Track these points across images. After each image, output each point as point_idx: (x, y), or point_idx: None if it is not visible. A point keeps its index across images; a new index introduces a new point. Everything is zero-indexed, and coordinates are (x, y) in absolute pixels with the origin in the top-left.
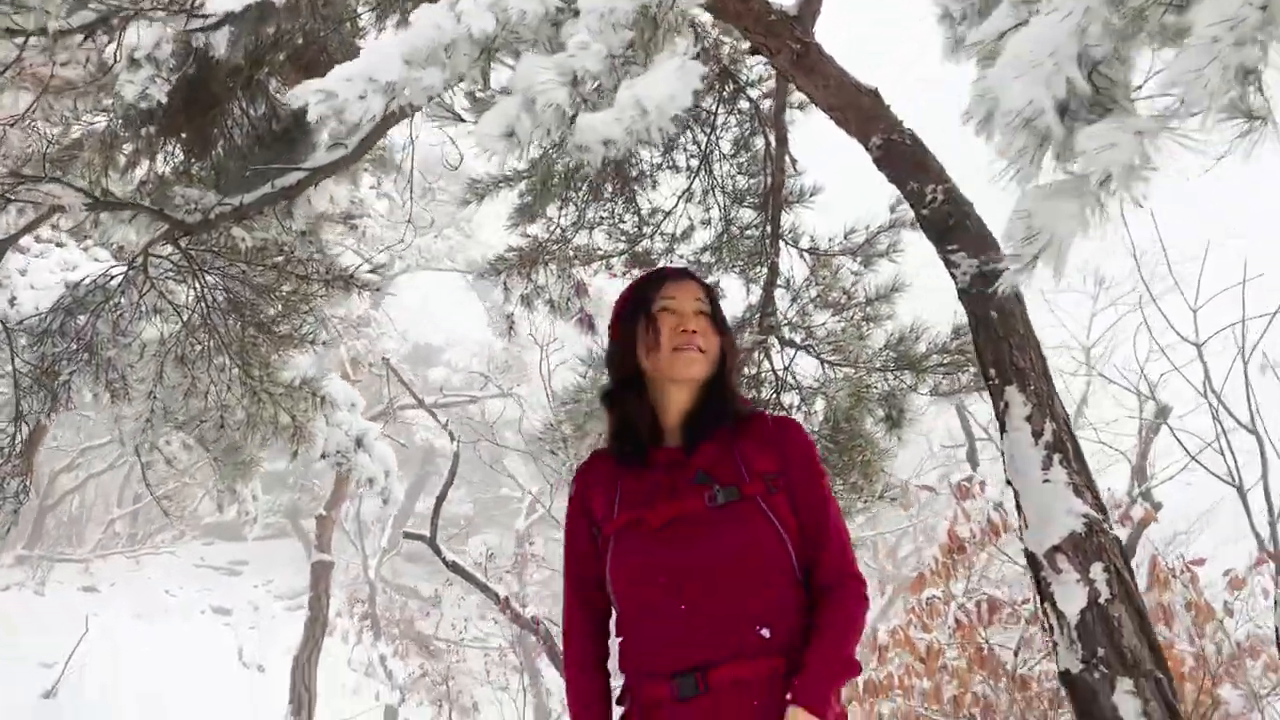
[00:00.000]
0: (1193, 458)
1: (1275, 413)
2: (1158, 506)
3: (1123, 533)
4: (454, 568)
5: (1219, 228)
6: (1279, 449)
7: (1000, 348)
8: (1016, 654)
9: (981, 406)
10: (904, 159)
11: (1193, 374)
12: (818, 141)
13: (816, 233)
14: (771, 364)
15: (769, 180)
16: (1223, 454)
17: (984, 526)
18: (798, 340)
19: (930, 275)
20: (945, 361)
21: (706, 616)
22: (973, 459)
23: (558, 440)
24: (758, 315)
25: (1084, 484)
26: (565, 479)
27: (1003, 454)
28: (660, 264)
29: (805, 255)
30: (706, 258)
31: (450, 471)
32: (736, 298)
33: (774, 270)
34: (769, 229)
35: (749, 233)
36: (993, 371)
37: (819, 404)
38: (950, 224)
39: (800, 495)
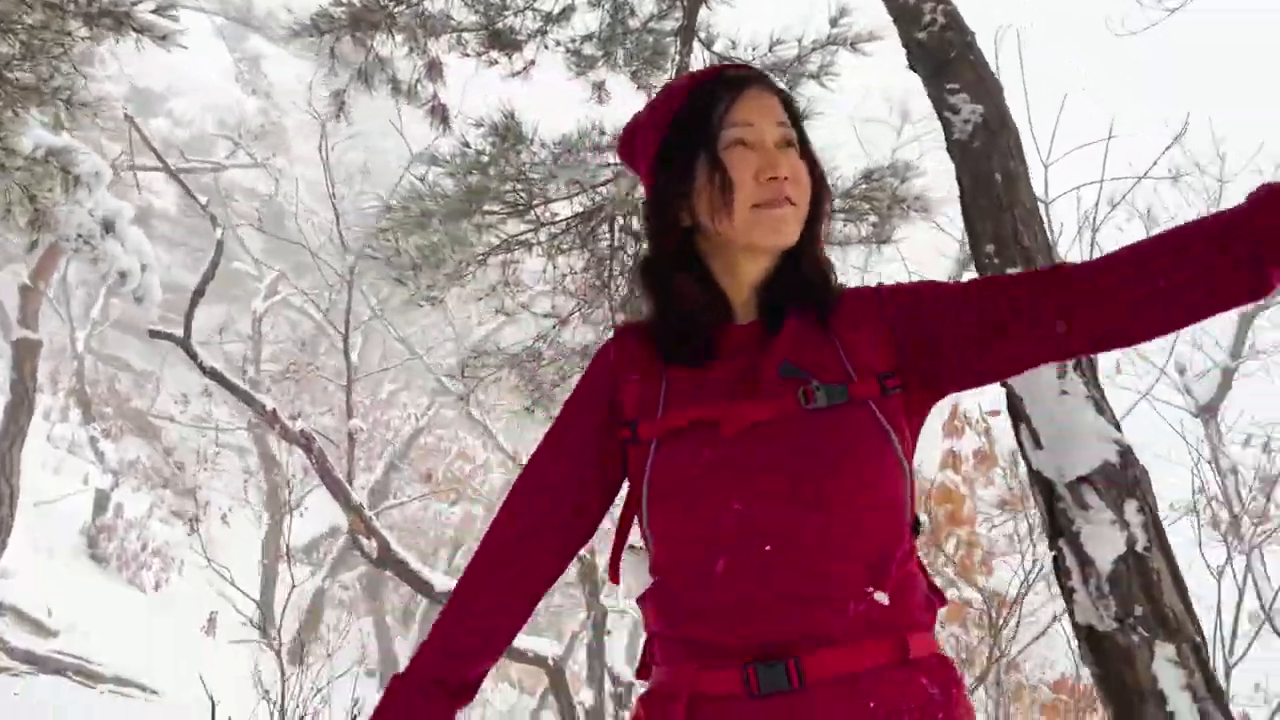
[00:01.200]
0: None
1: None
2: None
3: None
4: (213, 374)
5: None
6: None
7: (1002, 219)
8: None
9: None
10: None
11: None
12: None
13: (739, 38)
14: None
15: None
16: None
17: None
18: None
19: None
20: (846, 208)
21: (801, 569)
22: None
23: (390, 251)
24: None
25: (1101, 398)
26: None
27: None
28: (528, 51)
29: (718, 58)
30: (589, 49)
31: (212, 264)
32: (623, 106)
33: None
34: (683, 22)
35: (653, 26)
36: (991, 248)
37: None
38: (952, 56)
39: (942, 306)
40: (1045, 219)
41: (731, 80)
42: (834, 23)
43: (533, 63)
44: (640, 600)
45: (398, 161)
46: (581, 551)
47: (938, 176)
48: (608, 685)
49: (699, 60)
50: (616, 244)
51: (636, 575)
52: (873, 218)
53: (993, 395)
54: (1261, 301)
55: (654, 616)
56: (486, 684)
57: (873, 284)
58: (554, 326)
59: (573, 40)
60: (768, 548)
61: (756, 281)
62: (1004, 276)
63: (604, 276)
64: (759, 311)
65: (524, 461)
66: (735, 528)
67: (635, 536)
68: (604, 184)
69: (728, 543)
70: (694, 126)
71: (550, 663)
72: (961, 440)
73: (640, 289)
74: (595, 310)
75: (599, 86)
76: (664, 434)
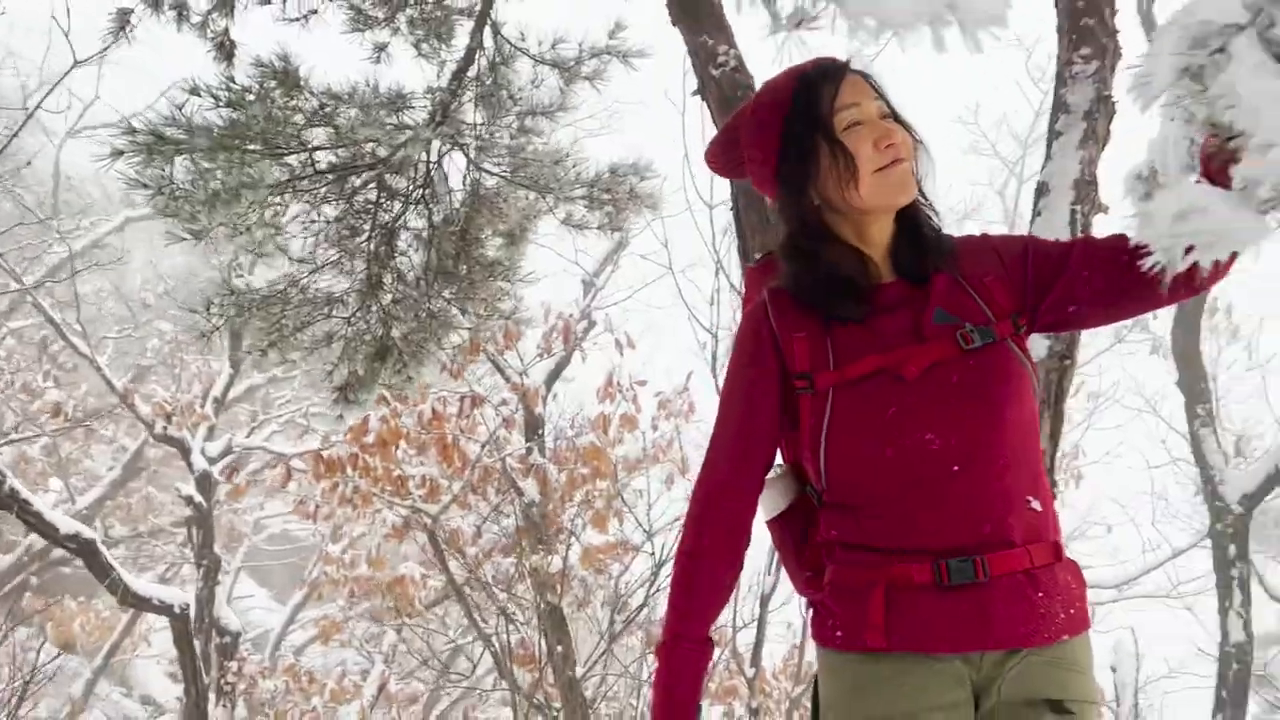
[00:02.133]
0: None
1: None
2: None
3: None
4: None
5: None
6: None
7: (769, 234)
8: (484, 447)
9: None
10: (702, 8)
11: None
12: None
13: (528, 30)
14: (444, 174)
15: None
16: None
17: None
18: (489, 166)
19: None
20: (588, 195)
21: (981, 486)
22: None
23: (162, 180)
24: (438, 111)
25: None
26: None
27: None
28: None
29: (510, 45)
30: (369, 7)
31: None
32: (402, 73)
33: (470, 58)
34: (479, 6)
35: (446, 2)
36: (759, 256)
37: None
38: (738, 94)
39: (1042, 259)
40: None
41: (829, 71)
42: (611, 35)
43: (314, 12)
44: (775, 524)
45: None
46: (196, 498)
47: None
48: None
49: (489, 43)
50: (378, 200)
51: (771, 499)
52: (609, 207)
53: (646, 368)
54: None
55: (838, 529)
56: None
57: (966, 236)
58: (310, 272)
59: None
60: (955, 468)
61: (887, 244)
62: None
63: (362, 229)
64: (896, 271)
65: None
66: (930, 454)
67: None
68: (369, 141)
69: (923, 466)
70: (808, 118)
71: (176, 610)
72: (613, 405)
73: (790, 264)
74: (353, 261)
75: (381, 48)
76: (844, 382)
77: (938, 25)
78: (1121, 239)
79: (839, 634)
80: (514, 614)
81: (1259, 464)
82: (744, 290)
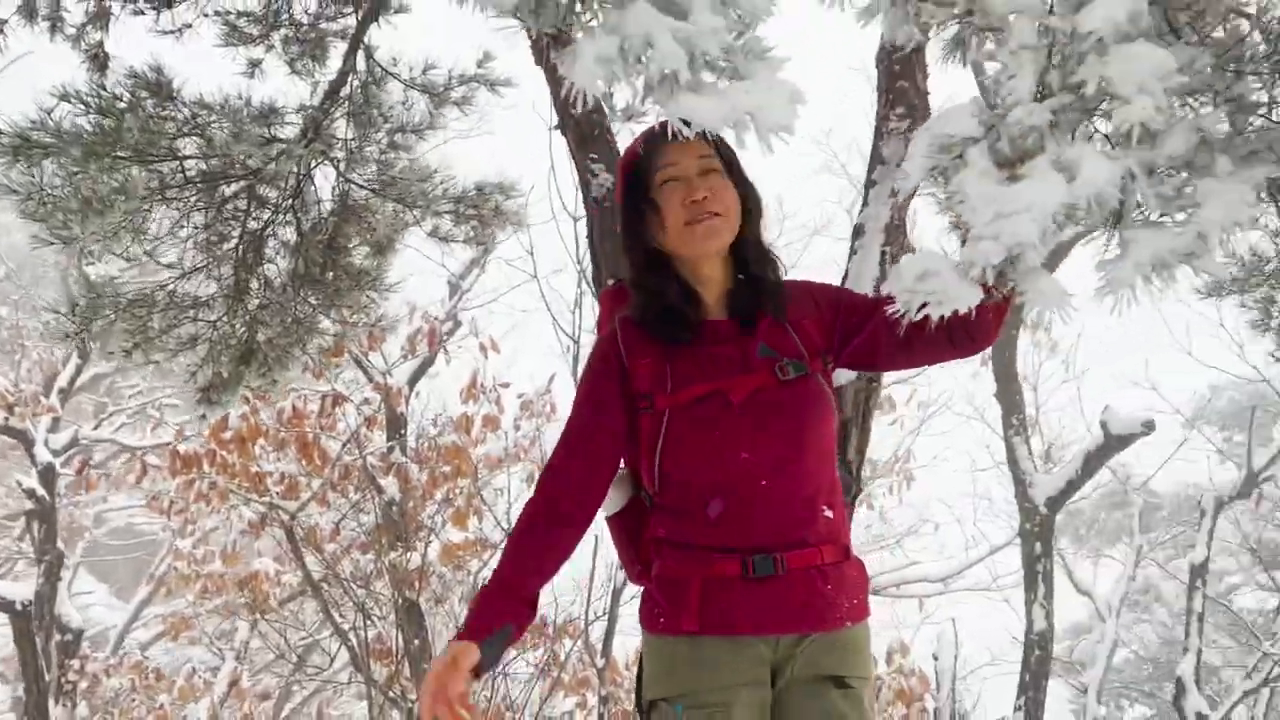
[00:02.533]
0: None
1: None
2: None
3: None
4: None
5: None
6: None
7: (620, 262)
8: (346, 444)
9: None
10: None
11: None
12: None
13: (401, 55)
14: (314, 185)
15: None
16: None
17: None
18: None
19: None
20: (455, 210)
21: (785, 496)
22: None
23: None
24: (310, 128)
25: None
26: None
27: None
28: (184, 12)
29: (382, 69)
30: (244, 24)
31: None
32: (276, 89)
33: (343, 79)
34: (355, 30)
35: (322, 26)
36: (611, 280)
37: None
38: (595, 133)
39: (848, 312)
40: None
41: (660, 135)
42: (479, 64)
43: (189, 26)
44: (615, 521)
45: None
46: (39, 491)
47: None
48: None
49: (362, 65)
50: (248, 209)
51: (612, 499)
52: (475, 222)
53: (510, 370)
54: None
55: (665, 529)
56: None
57: (801, 279)
58: (177, 278)
59: (230, 13)
60: (764, 482)
61: (721, 284)
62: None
63: (231, 236)
64: (730, 309)
65: None
66: (744, 468)
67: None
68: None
69: (738, 478)
70: (637, 177)
71: (17, 608)
72: (477, 405)
73: (635, 296)
74: (221, 266)
75: (255, 64)
76: (678, 405)
77: (739, 129)
78: None
79: (662, 619)
80: (371, 610)
81: (1062, 470)
82: (598, 311)
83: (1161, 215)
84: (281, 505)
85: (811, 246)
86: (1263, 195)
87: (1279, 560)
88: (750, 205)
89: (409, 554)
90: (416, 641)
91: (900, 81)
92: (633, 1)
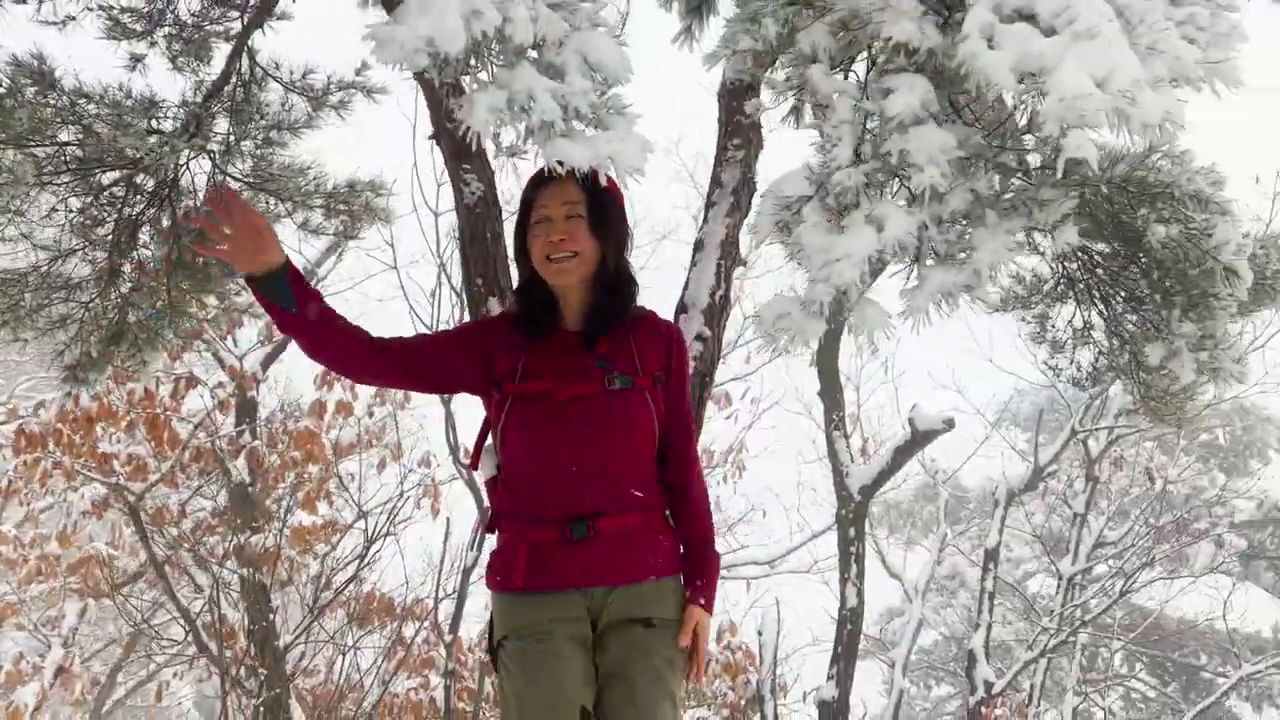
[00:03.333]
0: None
1: None
2: None
3: None
4: None
5: None
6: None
7: (488, 264)
8: (198, 426)
9: None
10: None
11: None
12: None
13: (283, 59)
14: (190, 175)
15: None
16: None
17: None
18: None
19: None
20: (327, 205)
21: (595, 477)
22: None
23: None
24: (191, 123)
25: None
26: None
27: None
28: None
29: (262, 70)
30: (128, 20)
31: None
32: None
33: (225, 79)
34: (242, 21)
35: (206, 26)
36: (480, 281)
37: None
38: (470, 148)
39: (673, 393)
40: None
41: (539, 180)
42: (357, 73)
43: (72, 18)
44: (489, 484)
45: None
46: None
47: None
48: None
49: (246, 68)
50: (125, 196)
51: (487, 466)
52: (344, 217)
53: None
54: None
55: (503, 500)
56: None
57: (665, 321)
58: (52, 260)
59: (113, 7)
60: (575, 469)
61: (582, 303)
62: (684, 426)
63: (106, 221)
64: (585, 324)
65: None
66: (559, 457)
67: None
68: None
69: (554, 465)
70: (525, 210)
71: None
72: (330, 392)
73: (517, 300)
74: (96, 250)
75: (138, 59)
76: (520, 394)
77: (602, 169)
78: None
79: (499, 579)
80: (217, 590)
81: (874, 462)
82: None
83: (947, 256)
84: (127, 486)
85: (660, 250)
86: (1020, 239)
87: (1060, 548)
88: (610, 244)
89: (257, 536)
90: (263, 621)
91: (738, 115)
92: (518, 65)
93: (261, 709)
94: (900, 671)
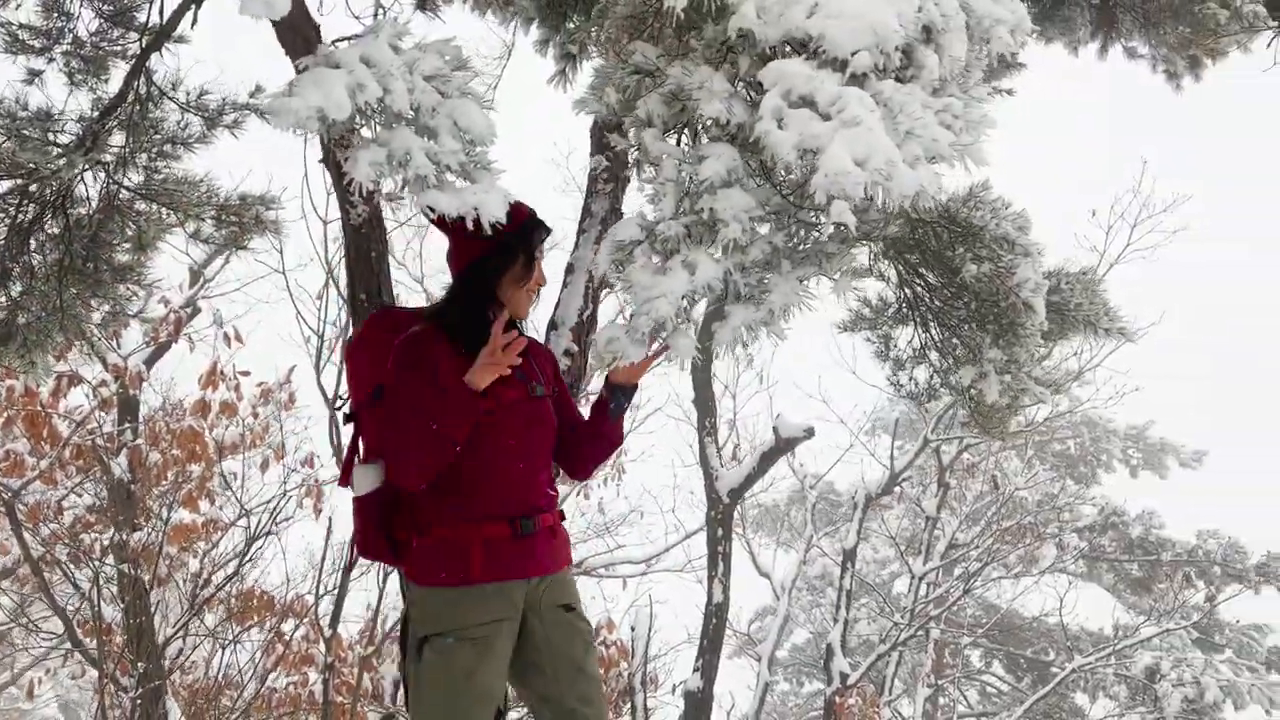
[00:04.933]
0: None
1: None
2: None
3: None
4: None
5: None
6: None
7: (372, 282)
8: (79, 424)
9: None
10: None
11: None
12: None
13: (181, 79)
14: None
15: None
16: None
17: None
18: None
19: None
20: (218, 216)
21: (532, 476)
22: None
23: None
24: (88, 138)
25: None
26: None
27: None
28: None
29: (158, 90)
30: (27, 36)
31: None
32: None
33: (123, 97)
34: (141, 44)
35: (102, 45)
36: (363, 297)
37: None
38: None
39: (562, 394)
40: None
41: (547, 231)
42: (251, 95)
43: None
44: (375, 496)
45: None
46: None
47: None
48: None
49: (143, 87)
50: (19, 203)
51: (367, 480)
52: (234, 228)
53: (251, 359)
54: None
55: (439, 503)
56: None
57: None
58: None
59: (10, 23)
60: (521, 465)
61: (504, 323)
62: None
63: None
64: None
65: None
66: (511, 456)
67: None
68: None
69: (504, 462)
70: (526, 244)
71: None
72: (215, 392)
73: (450, 310)
74: None
75: (35, 74)
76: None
77: (467, 217)
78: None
79: (443, 574)
80: (97, 587)
81: (742, 466)
82: (362, 328)
83: (748, 297)
84: (2, 482)
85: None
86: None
87: (914, 548)
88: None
89: (136, 533)
90: (141, 618)
91: (608, 150)
92: (397, 126)
93: (138, 703)
94: (766, 666)
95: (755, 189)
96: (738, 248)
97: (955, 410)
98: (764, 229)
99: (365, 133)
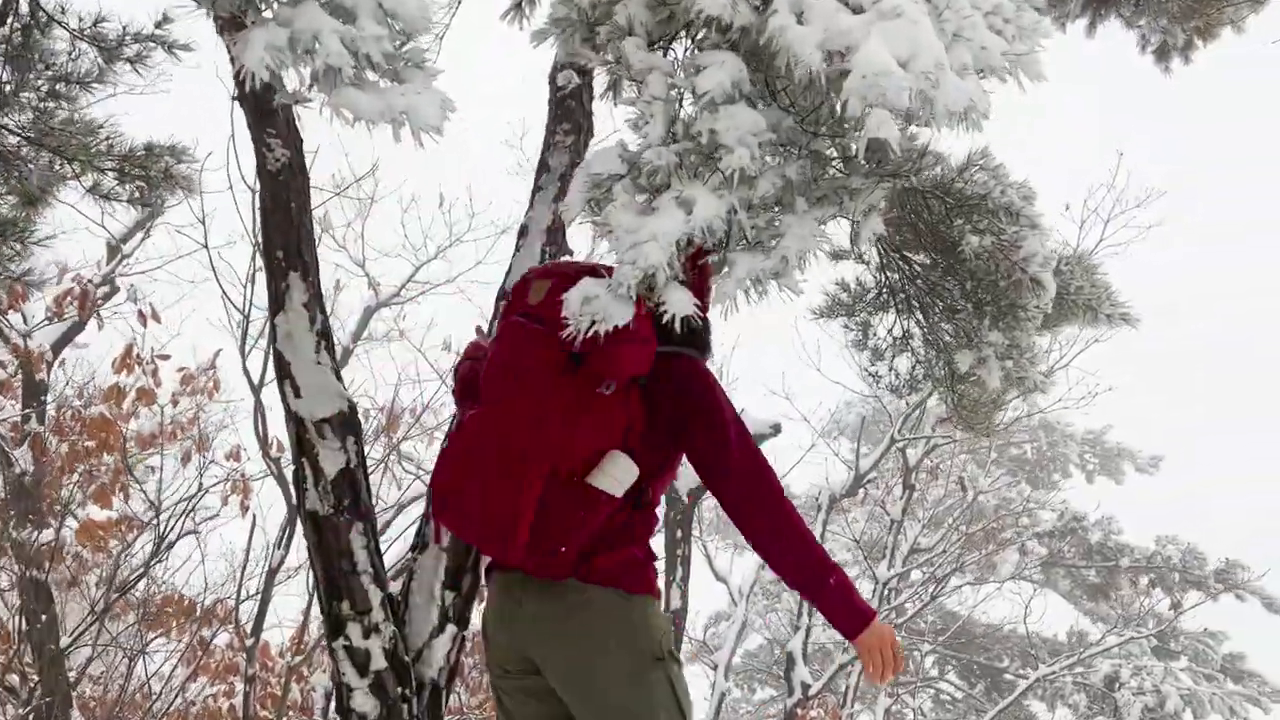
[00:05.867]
0: None
1: None
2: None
3: None
4: None
5: None
6: None
7: (291, 235)
8: None
9: None
10: None
11: None
12: None
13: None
14: None
15: None
16: None
17: None
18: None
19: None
20: (119, 169)
21: None
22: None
23: None
24: None
25: (336, 371)
26: None
27: (274, 326)
28: None
29: (45, 14)
30: None
31: None
32: None
33: (2, 19)
34: None
35: None
36: (280, 254)
37: None
38: (274, 110)
39: None
40: None
41: None
42: (158, 25)
43: None
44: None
45: None
46: None
47: None
48: None
49: (25, 7)
50: None
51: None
52: (141, 183)
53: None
54: None
55: (651, 522)
56: None
57: None
58: None
59: None
60: None
61: None
62: None
63: None
64: None
65: None
66: None
67: None
68: None
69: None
70: None
71: None
72: (130, 376)
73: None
74: None
75: None
76: None
77: (395, 125)
78: None
79: (657, 586)
80: None
81: None
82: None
83: (756, 243)
84: None
85: (499, 244)
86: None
87: (877, 553)
88: None
89: (40, 531)
90: (42, 622)
91: (569, 100)
92: (303, 1)
93: (32, 717)
94: (723, 673)
95: (763, 111)
96: (744, 179)
97: (922, 411)
98: (772, 160)
99: (265, 10)
